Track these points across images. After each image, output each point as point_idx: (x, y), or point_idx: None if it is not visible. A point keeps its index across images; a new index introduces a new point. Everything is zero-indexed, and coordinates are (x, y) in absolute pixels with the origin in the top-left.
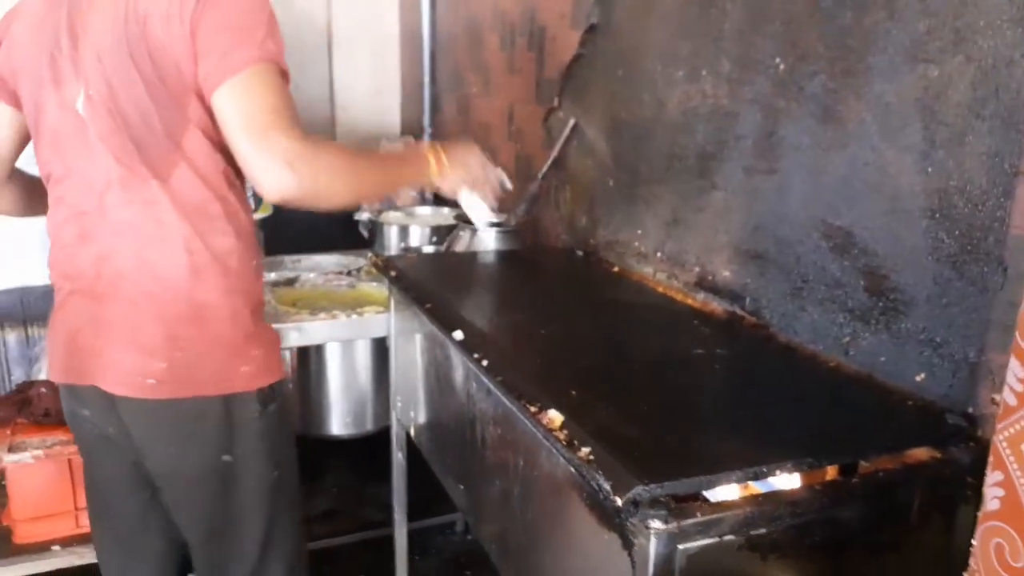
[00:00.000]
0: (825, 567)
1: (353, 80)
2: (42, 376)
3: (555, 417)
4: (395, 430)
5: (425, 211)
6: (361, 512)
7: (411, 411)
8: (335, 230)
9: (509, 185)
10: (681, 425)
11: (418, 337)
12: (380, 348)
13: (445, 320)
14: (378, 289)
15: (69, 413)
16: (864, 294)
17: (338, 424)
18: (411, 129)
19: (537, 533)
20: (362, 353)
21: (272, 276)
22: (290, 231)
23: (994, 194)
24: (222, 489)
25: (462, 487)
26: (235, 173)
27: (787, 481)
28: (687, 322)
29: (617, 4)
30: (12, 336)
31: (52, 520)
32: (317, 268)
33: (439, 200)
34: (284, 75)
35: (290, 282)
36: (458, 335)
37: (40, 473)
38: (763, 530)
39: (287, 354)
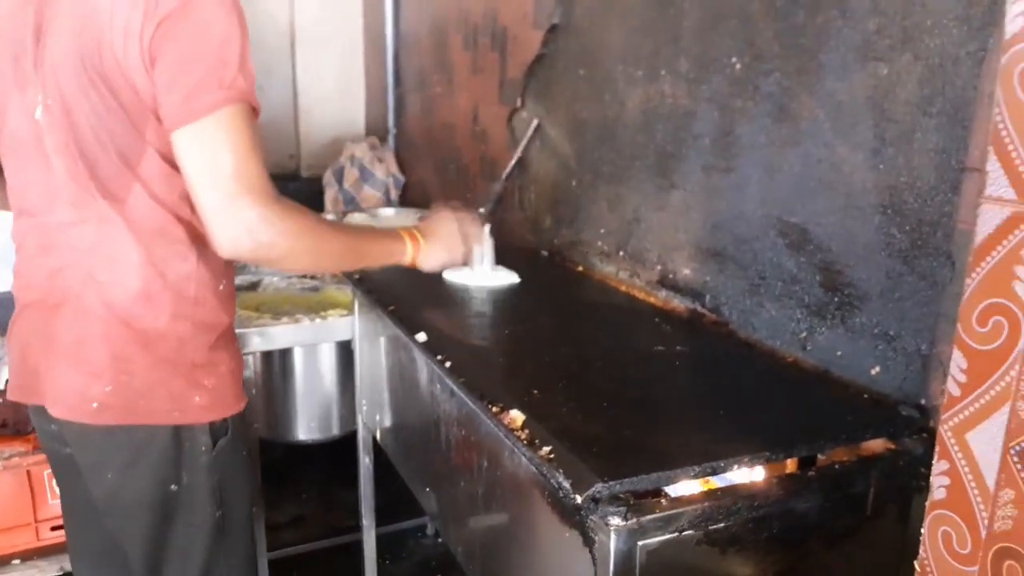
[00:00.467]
0: (783, 559)
1: (316, 81)
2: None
3: (516, 417)
4: (361, 434)
5: (389, 212)
6: (330, 517)
7: (377, 415)
8: None
9: (488, 240)
10: (641, 422)
11: (382, 340)
12: (345, 351)
13: (409, 322)
14: (342, 292)
15: (37, 428)
16: (820, 290)
17: (304, 429)
18: (375, 130)
19: (502, 533)
20: (326, 357)
21: (235, 280)
22: None
23: (942, 190)
24: (162, 522)
25: (428, 489)
26: None
27: (745, 475)
28: (649, 320)
29: (577, 4)
30: None
31: (11, 533)
32: (280, 272)
33: (404, 201)
34: (255, 112)
35: (253, 286)
36: (421, 337)
37: (4, 484)
38: (722, 524)
39: (250, 359)
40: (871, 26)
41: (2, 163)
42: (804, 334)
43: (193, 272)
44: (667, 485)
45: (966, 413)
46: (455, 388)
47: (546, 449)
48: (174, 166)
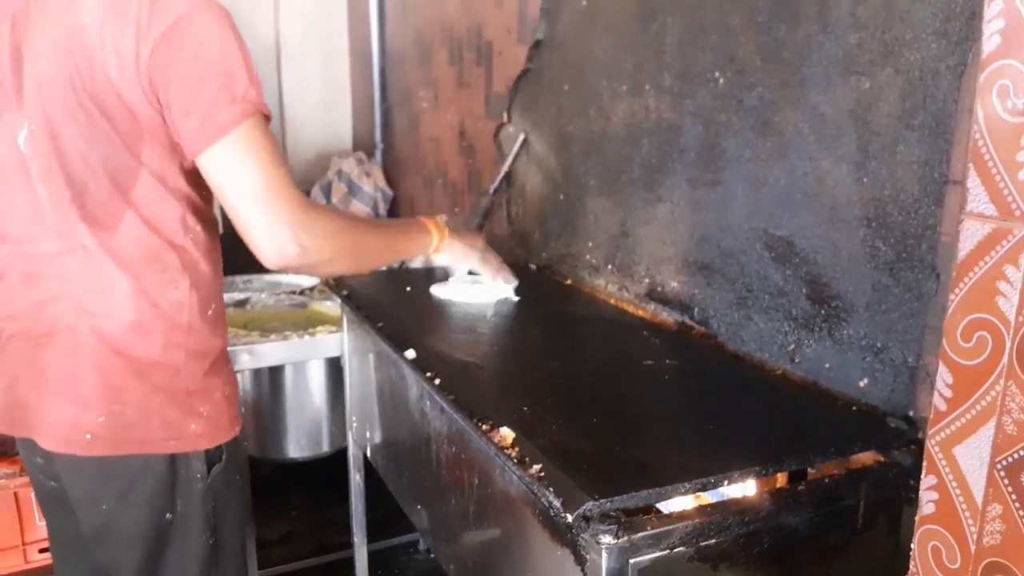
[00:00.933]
0: (775, 573)
1: (302, 95)
2: None
3: (507, 434)
4: (352, 451)
5: None
6: (320, 534)
7: (367, 431)
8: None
9: (513, 280)
10: (631, 438)
11: (372, 356)
12: (334, 368)
13: (398, 339)
14: (331, 308)
15: (24, 460)
16: (807, 302)
17: (294, 446)
18: (362, 144)
19: (494, 551)
20: (316, 374)
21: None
22: (241, 251)
23: (926, 202)
24: (156, 552)
25: (419, 507)
26: (197, 218)
27: (736, 490)
28: (638, 333)
29: (561, 19)
30: None
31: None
32: (269, 288)
33: (392, 216)
34: (267, 119)
35: (241, 303)
36: (410, 354)
37: None
38: (713, 540)
39: (240, 377)
40: (852, 40)
41: None
42: (792, 347)
43: (185, 299)
44: (658, 502)
45: (953, 428)
46: (445, 405)
47: (536, 467)
48: (171, 189)
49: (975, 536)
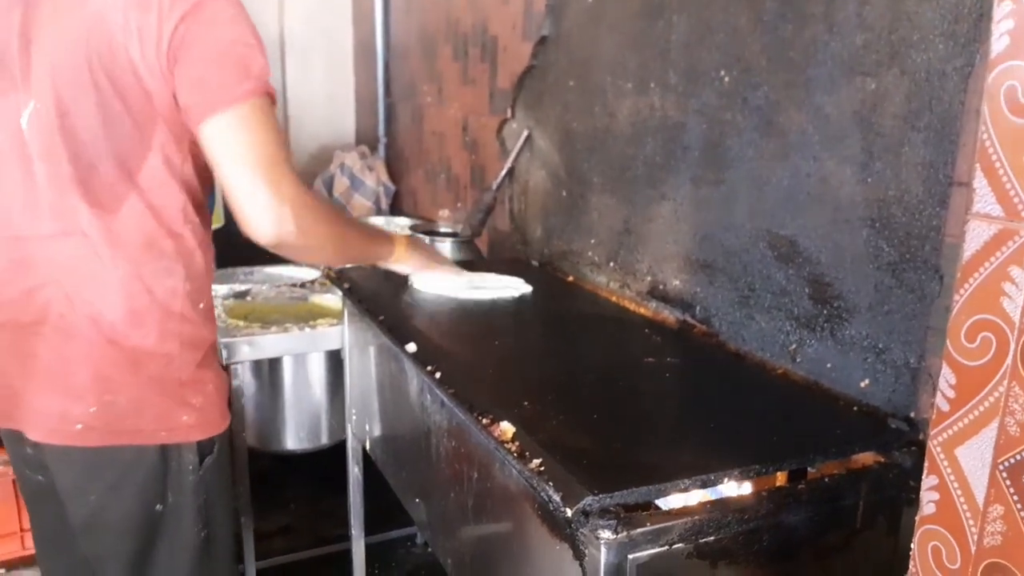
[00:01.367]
0: (774, 572)
1: (306, 89)
2: None
3: (507, 429)
4: (351, 444)
5: (379, 221)
6: (318, 527)
7: (366, 424)
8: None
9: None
10: (632, 434)
11: (372, 349)
12: (334, 361)
13: (399, 332)
14: (332, 301)
15: (9, 452)
16: (809, 302)
17: (292, 439)
18: (365, 138)
19: (492, 545)
20: (316, 366)
21: (224, 289)
22: (242, 243)
23: (930, 203)
24: (146, 543)
25: (417, 500)
26: (195, 210)
27: (735, 488)
28: (639, 331)
29: (567, 16)
30: None
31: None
32: (270, 280)
33: (394, 210)
34: (273, 101)
35: (241, 295)
36: (411, 347)
37: None
38: (712, 537)
39: (240, 368)
40: (858, 41)
41: None
42: (794, 346)
43: (180, 288)
44: (657, 498)
45: (955, 428)
46: (445, 399)
47: (536, 462)
48: (175, 175)
49: (976, 537)
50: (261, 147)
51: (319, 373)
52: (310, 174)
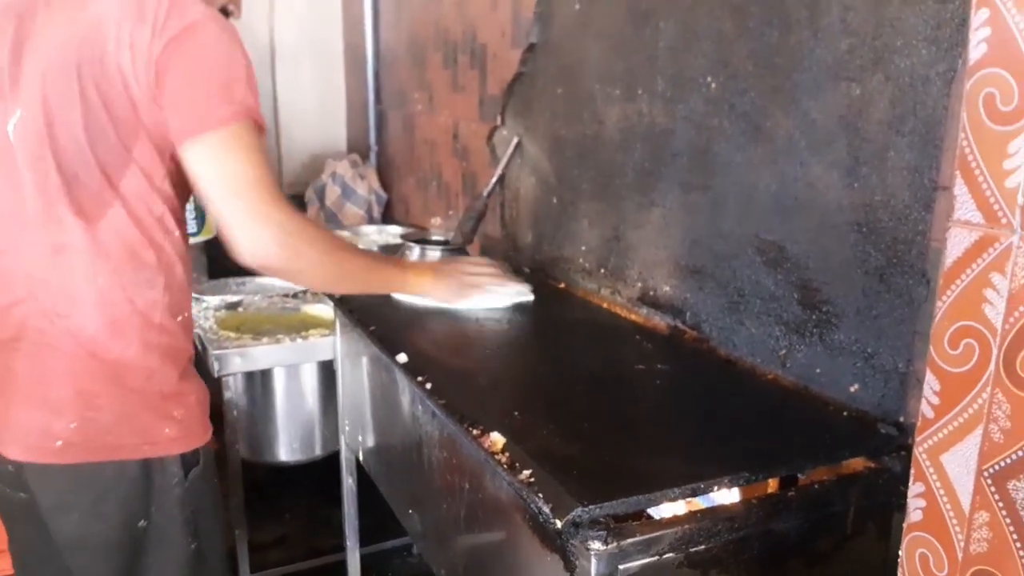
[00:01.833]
0: None
1: (297, 97)
2: None
3: (497, 440)
4: (344, 455)
5: (370, 229)
6: (313, 538)
7: (359, 435)
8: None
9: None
10: (622, 443)
11: (364, 360)
12: (327, 371)
13: (389, 343)
14: (324, 311)
15: None
16: (798, 307)
17: (285, 450)
18: (356, 147)
19: (484, 556)
20: (308, 377)
21: (215, 300)
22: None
23: (916, 208)
24: (134, 559)
25: (411, 511)
26: (176, 222)
27: (726, 496)
28: (630, 337)
29: (555, 23)
30: None
31: None
32: (262, 291)
33: (386, 218)
34: (261, 130)
35: (233, 306)
36: (402, 358)
37: None
38: (703, 546)
39: (232, 380)
40: (843, 46)
41: None
42: (783, 351)
43: (160, 299)
44: (648, 508)
45: (940, 435)
46: (436, 410)
47: (526, 473)
48: (155, 187)
49: (962, 544)
50: (241, 171)
51: (312, 384)
52: (301, 183)
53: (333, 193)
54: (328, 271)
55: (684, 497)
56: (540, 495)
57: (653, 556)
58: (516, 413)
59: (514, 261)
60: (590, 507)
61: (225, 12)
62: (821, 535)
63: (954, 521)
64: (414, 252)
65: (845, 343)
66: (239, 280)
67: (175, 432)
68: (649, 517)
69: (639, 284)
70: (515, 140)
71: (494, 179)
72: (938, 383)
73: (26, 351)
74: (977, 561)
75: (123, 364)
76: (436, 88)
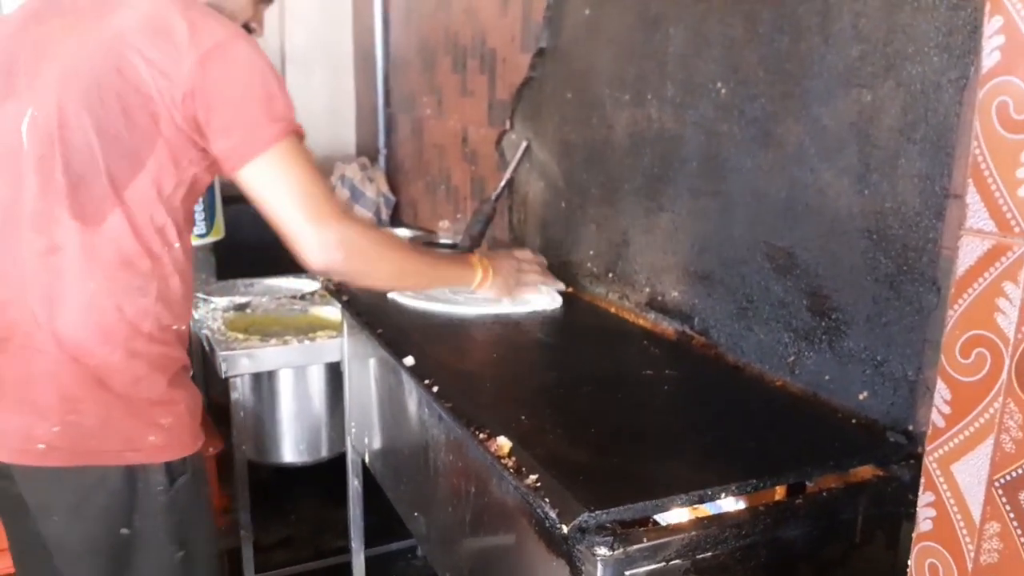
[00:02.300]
0: None
1: (307, 101)
2: None
3: (504, 444)
4: (350, 456)
5: None
6: (319, 539)
7: (365, 437)
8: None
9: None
10: (629, 449)
11: (371, 362)
12: (334, 373)
13: (397, 345)
14: (332, 313)
15: None
16: (807, 314)
17: (292, 451)
18: (365, 150)
19: (490, 560)
20: (315, 378)
21: (224, 302)
22: (243, 255)
23: (927, 215)
24: (118, 566)
25: (416, 513)
26: (178, 234)
27: (733, 503)
28: (638, 343)
29: (565, 28)
30: None
31: None
32: (270, 292)
33: (395, 221)
34: (302, 136)
35: (242, 307)
36: (409, 361)
37: None
38: (709, 553)
39: (239, 381)
40: (854, 53)
41: None
42: (792, 358)
43: (151, 308)
44: (655, 514)
45: (951, 445)
46: (442, 413)
47: (533, 478)
48: (162, 197)
49: (972, 554)
50: (298, 183)
51: (319, 385)
52: None
53: (342, 196)
54: (391, 270)
55: (691, 504)
56: (546, 500)
57: (660, 562)
58: (523, 417)
59: None
60: (597, 512)
61: (248, 29)
62: (829, 543)
63: (964, 531)
64: None
65: (854, 350)
66: (247, 282)
67: (161, 440)
68: (656, 523)
69: (647, 289)
70: (524, 144)
71: (503, 183)
72: (949, 392)
73: (13, 353)
74: (987, 572)
75: (107, 369)
76: (445, 92)
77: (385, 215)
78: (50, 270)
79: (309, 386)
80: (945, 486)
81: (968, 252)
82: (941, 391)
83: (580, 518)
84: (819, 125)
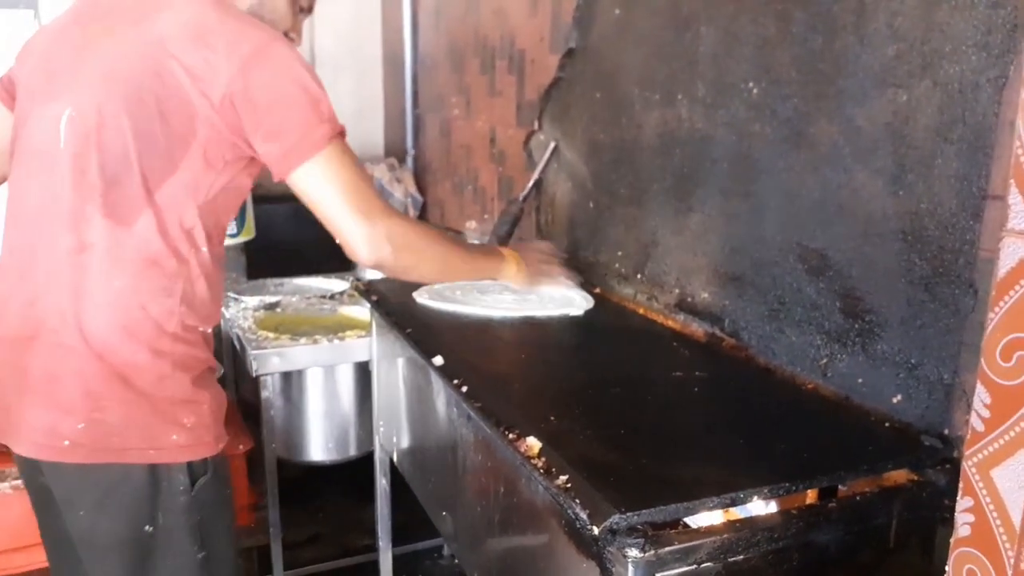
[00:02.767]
0: None
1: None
2: None
3: (533, 444)
4: (378, 455)
5: None
6: (347, 537)
7: (394, 436)
8: (318, 253)
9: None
10: (660, 450)
11: (400, 362)
12: (362, 372)
13: (426, 345)
14: (361, 313)
15: (15, 458)
16: (840, 316)
17: (321, 449)
18: (394, 151)
19: (519, 560)
20: (344, 377)
21: (254, 301)
22: (273, 254)
23: (963, 217)
24: (140, 563)
25: (444, 513)
26: (207, 238)
27: (765, 506)
28: (667, 344)
29: (594, 28)
30: None
31: (28, 552)
32: (300, 292)
33: (422, 221)
34: (343, 135)
35: (271, 307)
36: (438, 360)
37: (19, 502)
38: (741, 556)
39: (269, 379)
40: (890, 52)
41: (10, 177)
42: (824, 361)
43: (176, 309)
44: (686, 516)
45: (990, 449)
46: (471, 413)
47: (563, 478)
48: (195, 200)
49: (1012, 561)
50: (347, 184)
51: (347, 384)
52: None
53: None
54: (435, 264)
55: (723, 507)
56: (577, 501)
57: (691, 565)
58: (552, 418)
59: None
60: (628, 514)
61: (287, 37)
62: (862, 548)
63: (1004, 537)
64: None
65: (888, 353)
66: (277, 281)
67: (184, 439)
68: (686, 526)
69: (677, 290)
70: (552, 145)
71: (530, 183)
72: (989, 396)
73: (40, 350)
74: None
75: (132, 367)
76: (473, 93)
77: (413, 215)
78: (78, 268)
79: (338, 385)
80: (984, 491)
81: (1009, 254)
82: (980, 395)
83: (611, 519)
84: (853, 125)
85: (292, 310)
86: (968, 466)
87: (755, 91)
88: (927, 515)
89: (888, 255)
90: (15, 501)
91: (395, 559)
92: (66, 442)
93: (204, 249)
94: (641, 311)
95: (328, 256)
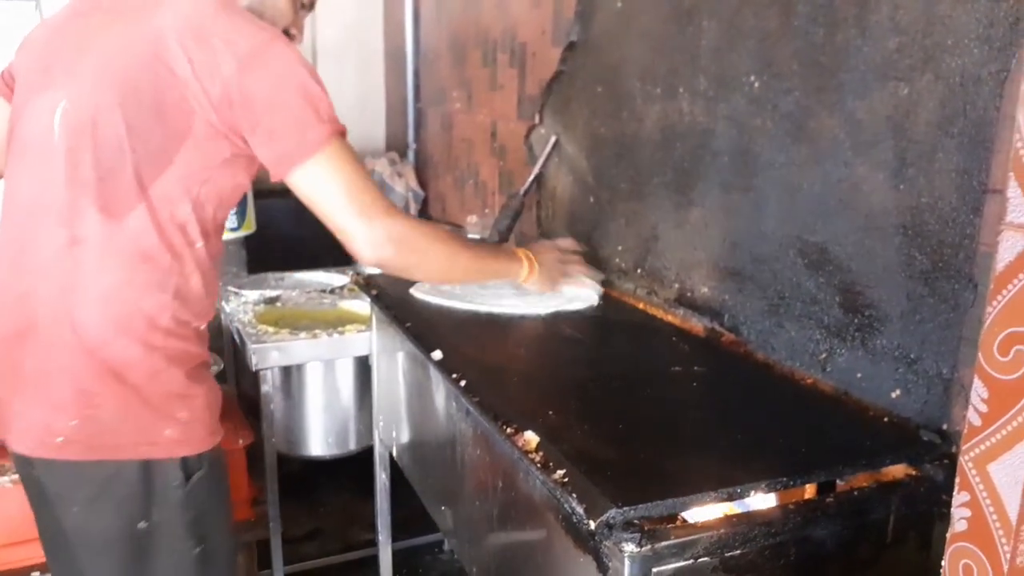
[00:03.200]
0: None
1: (337, 96)
2: None
3: (531, 439)
4: (378, 450)
5: None
6: (347, 532)
7: (393, 431)
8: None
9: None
10: (657, 445)
11: (400, 356)
12: (362, 367)
13: (425, 339)
14: (361, 307)
15: (10, 453)
16: (839, 311)
17: (321, 444)
18: (395, 144)
19: (516, 555)
20: (344, 372)
21: (254, 295)
22: (273, 249)
23: (964, 211)
24: (136, 559)
25: (443, 507)
26: (201, 233)
27: (762, 501)
28: (666, 339)
29: (596, 22)
30: None
31: (29, 546)
32: (300, 286)
33: (423, 216)
34: (344, 134)
35: (271, 301)
36: (437, 355)
37: (18, 497)
38: (738, 551)
39: (268, 374)
40: (891, 45)
41: (7, 170)
42: (824, 355)
43: (168, 305)
44: (683, 511)
45: (987, 444)
46: (470, 407)
47: (560, 472)
48: (190, 195)
49: (1008, 555)
50: (348, 182)
51: (347, 379)
52: None
53: None
54: (440, 263)
55: (720, 501)
56: (574, 495)
57: (688, 560)
58: (550, 412)
59: None
60: (624, 508)
61: (287, 35)
62: (860, 543)
63: (1000, 532)
64: None
65: (887, 348)
66: (278, 275)
67: (177, 434)
68: (684, 520)
69: (676, 285)
70: (553, 139)
71: (531, 177)
72: (986, 390)
73: (33, 345)
74: (1023, 573)
75: (125, 362)
76: (475, 86)
77: (414, 210)
78: (70, 262)
79: (338, 379)
80: (981, 486)
81: (1008, 247)
82: (978, 389)
83: (608, 514)
84: (854, 119)
85: (292, 304)
86: (965, 461)
87: (756, 85)
88: (925, 510)
89: (888, 249)
90: (14, 496)
91: (395, 554)
92: (60, 439)
93: (199, 244)
94: (641, 306)
95: (328, 251)
